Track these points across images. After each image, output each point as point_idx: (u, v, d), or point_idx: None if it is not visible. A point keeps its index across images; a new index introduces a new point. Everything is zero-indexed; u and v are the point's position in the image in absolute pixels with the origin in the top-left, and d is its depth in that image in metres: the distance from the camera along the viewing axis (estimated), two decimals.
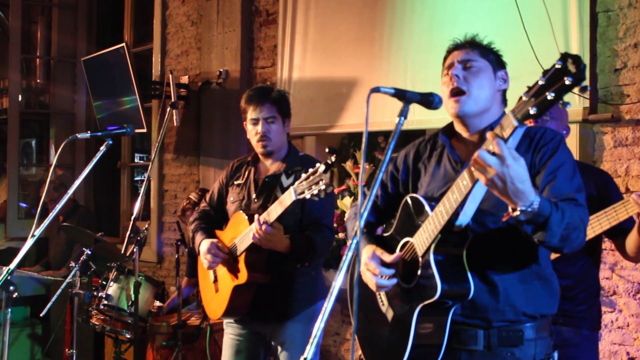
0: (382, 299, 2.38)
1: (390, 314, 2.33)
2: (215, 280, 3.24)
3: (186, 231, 4.41)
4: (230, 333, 3.30)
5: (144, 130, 5.75)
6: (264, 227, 2.85)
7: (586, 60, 3.61)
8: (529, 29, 3.74)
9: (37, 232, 3.07)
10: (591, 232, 2.71)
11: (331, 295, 1.74)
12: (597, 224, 2.71)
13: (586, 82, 1.64)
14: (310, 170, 2.67)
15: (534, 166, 2.15)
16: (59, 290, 4.20)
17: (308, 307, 3.20)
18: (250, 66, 5.49)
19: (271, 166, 3.24)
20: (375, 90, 2.02)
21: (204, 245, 3.15)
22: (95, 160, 3.14)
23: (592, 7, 3.63)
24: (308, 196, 2.66)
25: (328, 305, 1.74)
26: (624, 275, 3.53)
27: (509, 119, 1.78)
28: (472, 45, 2.27)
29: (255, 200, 3.17)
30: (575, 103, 3.61)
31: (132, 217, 3.90)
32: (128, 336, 4.26)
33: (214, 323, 4.14)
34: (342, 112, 4.75)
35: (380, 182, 2.52)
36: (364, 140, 1.99)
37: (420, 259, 2.16)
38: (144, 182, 4.05)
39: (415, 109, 4.57)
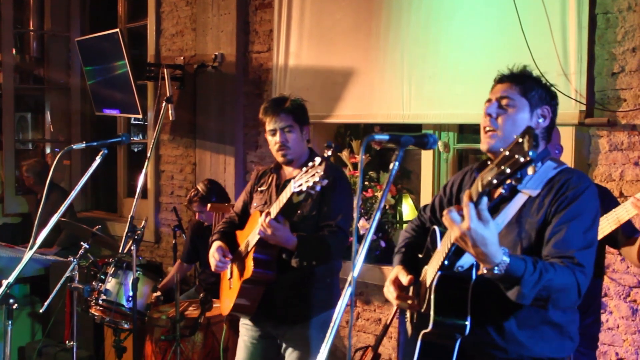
0: (407, 314, 2.51)
1: (409, 329, 2.47)
2: (230, 277, 3.35)
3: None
4: (245, 335, 3.40)
5: (139, 116, 5.73)
6: (267, 219, 2.94)
7: (584, 62, 3.58)
8: (526, 28, 3.71)
9: (37, 243, 3.11)
10: None
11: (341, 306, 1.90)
12: (599, 229, 2.74)
13: (532, 169, 1.64)
14: (310, 164, 2.75)
15: (549, 214, 2.15)
16: (58, 286, 4.24)
17: (321, 312, 3.27)
18: (245, 50, 5.43)
19: (292, 173, 3.29)
20: (371, 139, 2.03)
21: (212, 247, 3.30)
22: (91, 170, 3.17)
23: (591, 9, 3.59)
24: (304, 188, 2.74)
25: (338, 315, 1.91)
26: (615, 278, 3.58)
27: (477, 184, 1.82)
28: (514, 80, 2.27)
29: None
30: (572, 106, 3.60)
31: (130, 216, 3.93)
32: (127, 326, 4.32)
33: (211, 316, 4.21)
34: (338, 102, 4.73)
35: (431, 207, 2.63)
36: (358, 184, 2.00)
37: (427, 289, 2.25)
38: (140, 179, 4.06)
39: (412, 103, 4.60)
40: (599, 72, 3.60)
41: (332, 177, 2.97)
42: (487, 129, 2.25)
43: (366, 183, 4.78)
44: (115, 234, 6.62)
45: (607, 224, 2.70)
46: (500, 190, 1.75)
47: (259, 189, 3.41)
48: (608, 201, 2.90)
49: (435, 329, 2.15)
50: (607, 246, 2.99)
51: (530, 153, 1.62)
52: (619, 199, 3.51)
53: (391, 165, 2.07)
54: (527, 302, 1.99)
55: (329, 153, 2.73)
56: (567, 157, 3.60)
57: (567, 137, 3.66)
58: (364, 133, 4.95)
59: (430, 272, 2.23)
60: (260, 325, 3.34)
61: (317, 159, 2.72)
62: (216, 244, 3.30)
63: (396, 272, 2.39)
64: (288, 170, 3.33)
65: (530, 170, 1.65)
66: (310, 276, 3.20)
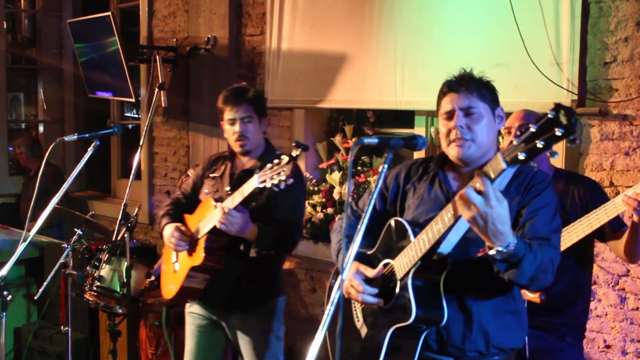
0: (358, 315, 2.46)
1: (364, 331, 2.42)
2: (176, 261, 3.37)
3: None
4: (191, 323, 3.46)
5: (132, 100, 5.71)
6: (226, 209, 2.96)
7: (576, 51, 3.58)
8: (519, 16, 3.69)
9: (31, 234, 3.13)
10: (581, 233, 2.78)
11: (332, 303, 1.94)
12: (587, 223, 2.77)
13: (576, 135, 1.69)
14: (275, 161, 2.78)
15: (521, 203, 2.22)
16: (52, 272, 4.26)
17: (266, 301, 3.34)
18: (238, 33, 5.40)
19: (247, 163, 3.34)
20: (360, 142, 2.04)
21: (167, 229, 3.30)
22: (83, 161, 3.19)
23: None
24: (269, 185, 2.79)
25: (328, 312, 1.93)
26: (604, 267, 3.61)
27: (498, 160, 1.84)
28: (469, 88, 2.26)
29: (229, 192, 3.26)
30: (564, 95, 3.61)
31: (122, 204, 3.94)
32: (121, 311, 4.36)
33: None
34: (331, 86, 4.72)
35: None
36: (347, 194, 2.01)
37: (398, 282, 2.24)
38: (133, 167, 4.07)
39: (405, 90, 4.59)
40: (591, 61, 3.59)
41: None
42: (460, 139, 2.24)
43: (359, 168, 4.79)
44: (108, 215, 6.63)
45: (596, 220, 2.73)
46: (531, 163, 1.78)
47: (210, 175, 3.42)
48: (597, 195, 2.92)
49: (415, 322, 2.15)
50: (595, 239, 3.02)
51: (573, 120, 1.66)
52: (609, 189, 3.55)
53: (380, 168, 2.08)
54: (524, 282, 2.05)
55: (297, 153, 2.75)
56: (558, 146, 3.61)
57: None
58: (357, 118, 4.95)
59: (402, 265, 2.22)
60: (206, 312, 3.40)
61: (284, 157, 2.74)
62: (172, 225, 3.28)
63: (355, 267, 2.35)
64: (243, 160, 3.35)
65: (568, 143, 1.69)
66: (256, 265, 3.23)
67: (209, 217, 3.12)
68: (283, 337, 3.42)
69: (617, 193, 3.52)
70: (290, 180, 2.74)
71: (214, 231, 3.10)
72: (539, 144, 1.71)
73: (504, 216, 1.90)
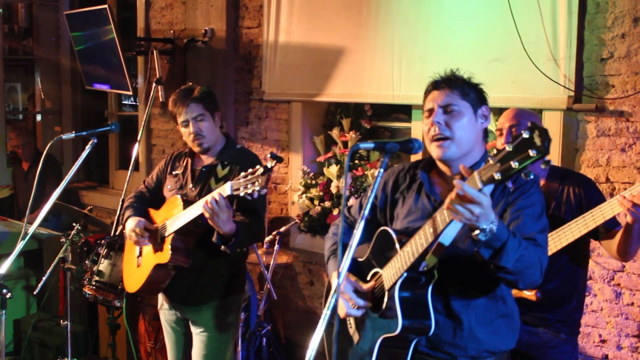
0: (351, 322, 2.48)
1: (356, 337, 2.44)
2: (140, 255, 3.38)
3: None
4: (164, 320, 3.51)
5: (129, 93, 5.70)
6: (217, 196, 2.92)
7: (573, 47, 3.58)
8: (516, 12, 3.69)
9: (30, 231, 3.14)
10: (577, 233, 2.79)
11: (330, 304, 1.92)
12: (583, 224, 2.78)
13: (550, 157, 1.69)
14: (250, 170, 2.80)
15: (507, 203, 2.21)
16: (51, 267, 4.28)
17: (227, 296, 3.35)
18: (236, 25, 5.39)
19: (207, 159, 3.37)
20: (356, 148, 2.04)
21: (130, 222, 3.31)
22: (81, 159, 3.18)
23: None
24: (242, 194, 2.80)
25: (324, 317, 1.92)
26: (600, 262, 3.64)
27: (475, 180, 1.85)
28: (451, 85, 2.26)
29: (192, 188, 3.30)
30: (560, 91, 3.62)
31: (121, 199, 3.96)
32: (119, 305, 4.38)
33: None
34: (329, 80, 4.72)
35: (359, 206, 2.61)
36: (342, 200, 2.01)
37: (386, 293, 2.25)
38: (132, 158, 4.08)
39: (402, 84, 4.58)
40: (588, 57, 3.60)
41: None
42: (439, 137, 2.22)
43: (356, 162, 4.80)
44: (106, 207, 6.65)
45: (592, 220, 2.74)
46: (507, 184, 1.79)
47: (173, 172, 3.45)
48: (592, 193, 2.92)
49: (402, 333, 2.16)
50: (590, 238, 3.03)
51: (547, 143, 1.66)
52: (605, 185, 3.56)
53: (376, 172, 2.09)
54: (510, 266, 2.01)
55: (272, 164, 2.77)
56: (555, 142, 3.62)
57: (555, 122, 3.69)
58: (355, 111, 4.95)
59: (389, 275, 2.22)
60: (173, 309, 3.43)
61: (260, 168, 2.75)
62: (135, 219, 3.29)
63: (345, 277, 2.35)
64: (203, 156, 3.38)
65: (543, 165, 1.69)
66: (217, 260, 3.24)
67: (177, 215, 3.14)
68: (234, 338, 3.47)
69: (613, 189, 3.55)
70: (264, 191, 2.75)
71: (181, 230, 3.12)
72: (514, 164, 1.72)
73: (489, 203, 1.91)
